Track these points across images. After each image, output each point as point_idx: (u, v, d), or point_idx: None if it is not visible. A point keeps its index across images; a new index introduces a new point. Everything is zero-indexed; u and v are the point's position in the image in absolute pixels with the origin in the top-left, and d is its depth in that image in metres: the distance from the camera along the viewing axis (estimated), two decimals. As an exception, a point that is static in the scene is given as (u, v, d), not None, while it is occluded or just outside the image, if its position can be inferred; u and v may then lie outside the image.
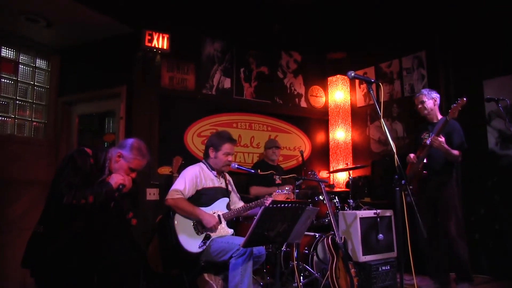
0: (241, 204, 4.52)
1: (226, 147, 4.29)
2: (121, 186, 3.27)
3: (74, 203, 3.05)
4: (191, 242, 3.92)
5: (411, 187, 3.31)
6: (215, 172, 4.31)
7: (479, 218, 5.64)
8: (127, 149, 3.38)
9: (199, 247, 3.91)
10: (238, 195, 4.60)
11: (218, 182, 4.31)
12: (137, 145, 3.42)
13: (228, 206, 4.29)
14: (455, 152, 4.57)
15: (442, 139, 4.45)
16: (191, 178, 4.12)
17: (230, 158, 4.32)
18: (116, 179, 3.27)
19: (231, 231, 4.16)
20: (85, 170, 3.22)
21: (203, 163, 4.35)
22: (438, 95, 4.91)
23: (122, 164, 3.36)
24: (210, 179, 4.25)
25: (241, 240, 3.74)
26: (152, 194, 5.52)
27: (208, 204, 4.14)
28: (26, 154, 5.34)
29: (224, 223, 4.14)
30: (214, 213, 4.10)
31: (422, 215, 3.73)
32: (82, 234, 3.15)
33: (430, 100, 4.83)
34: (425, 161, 4.65)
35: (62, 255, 3.06)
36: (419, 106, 4.89)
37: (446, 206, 4.67)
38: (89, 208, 3.13)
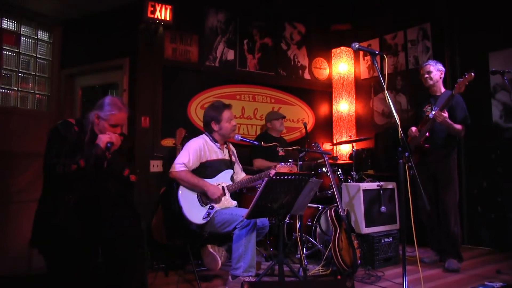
0: (243, 175, 4.54)
1: (226, 113, 4.28)
2: (109, 145, 3.26)
3: (67, 171, 3.09)
4: (195, 214, 3.95)
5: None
6: (218, 144, 4.31)
7: (481, 191, 5.66)
8: (102, 108, 3.36)
9: (203, 219, 3.94)
10: (240, 166, 4.61)
11: (222, 154, 4.32)
12: (110, 101, 3.38)
13: (232, 178, 4.31)
14: (458, 126, 4.55)
15: (445, 114, 4.42)
16: (194, 151, 4.12)
17: (234, 122, 4.34)
18: (103, 139, 3.27)
19: (234, 202, 4.19)
20: (71, 139, 3.24)
21: (206, 135, 4.35)
22: (444, 69, 4.86)
23: (103, 124, 3.34)
24: (214, 151, 4.26)
25: (245, 211, 3.76)
26: (155, 166, 5.53)
27: (212, 176, 4.15)
28: (30, 126, 5.33)
29: (228, 195, 4.16)
30: (219, 184, 4.12)
31: (425, 188, 3.74)
32: (83, 201, 3.19)
33: (437, 71, 4.77)
34: (427, 134, 4.63)
35: (66, 226, 3.09)
36: (425, 75, 4.81)
37: (446, 179, 4.68)
38: (83, 172, 3.16)
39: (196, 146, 4.16)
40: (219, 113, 4.27)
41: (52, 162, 3.12)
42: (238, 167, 4.54)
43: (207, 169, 4.16)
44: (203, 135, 4.34)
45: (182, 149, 4.26)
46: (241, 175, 4.52)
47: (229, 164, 4.35)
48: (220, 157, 4.28)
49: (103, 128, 3.34)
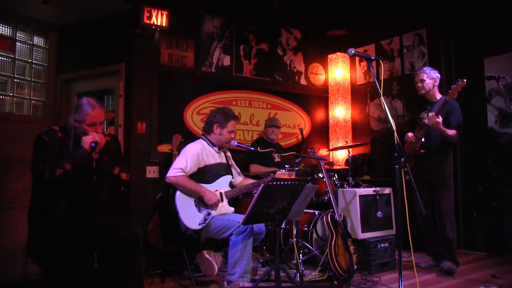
0: (241, 178, 4.53)
1: (232, 124, 4.28)
2: (93, 144, 3.30)
3: (53, 175, 3.14)
4: (192, 219, 3.94)
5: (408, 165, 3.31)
6: (216, 148, 4.30)
7: (477, 196, 5.67)
8: (77, 110, 3.42)
9: (199, 224, 3.93)
10: (237, 169, 4.60)
11: (220, 158, 4.31)
12: (83, 101, 3.43)
13: (231, 184, 4.30)
14: (452, 132, 4.55)
15: (439, 119, 4.42)
16: (192, 156, 4.10)
17: (233, 135, 4.33)
18: (86, 140, 3.31)
19: (232, 209, 4.17)
20: (55, 145, 3.29)
21: (204, 139, 4.32)
22: (439, 76, 4.83)
23: (82, 126, 3.39)
24: (212, 155, 4.24)
25: (241, 217, 3.77)
26: (152, 172, 5.52)
27: (211, 181, 4.14)
28: (25, 132, 5.31)
29: (225, 201, 4.15)
30: (217, 190, 4.11)
31: (421, 193, 3.75)
32: (74, 205, 3.20)
33: (431, 80, 4.76)
34: (423, 140, 4.63)
35: (59, 231, 3.10)
36: (419, 84, 4.81)
37: (441, 185, 4.69)
38: (70, 175, 3.19)
39: (194, 151, 4.14)
40: (226, 121, 4.25)
41: (39, 169, 3.18)
42: (235, 171, 4.54)
43: (206, 174, 4.14)
44: (200, 140, 4.32)
45: (178, 155, 4.24)
46: (239, 179, 4.51)
47: (227, 168, 4.35)
48: (218, 161, 4.27)
49: (83, 130, 3.39)
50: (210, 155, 4.23)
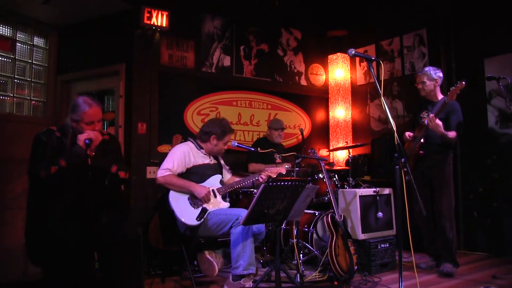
0: (229, 175, 4.58)
1: (228, 137, 4.38)
2: (87, 141, 3.29)
3: (49, 173, 3.15)
4: (188, 215, 3.96)
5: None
6: (203, 151, 4.35)
7: (477, 196, 5.67)
8: (74, 110, 3.42)
9: (197, 220, 3.94)
10: (227, 167, 4.63)
11: (208, 159, 4.36)
12: (80, 100, 3.43)
13: (221, 183, 4.35)
14: (451, 134, 4.53)
15: (439, 122, 4.41)
16: (179, 156, 4.17)
17: (225, 147, 4.43)
18: (80, 138, 3.31)
19: (227, 204, 4.20)
20: (52, 144, 3.30)
21: (192, 141, 4.40)
22: (442, 75, 4.80)
23: (80, 126, 3.39)
24: (200, 157, 4.31)
25: (238, 210, 3.84)
26: (152, 172, 5.52)
27: (200, 181, 4.19)
28: (25, 132, 5.32)
29: (219, 197, 4.19)
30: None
31: (421, 193, 3.74)
32: (73, 204, 3.21)
33: (431, 82, 4.74)
34: (422, 140, 4.63)
35: (57, 231, 3.10)
36: (419, 86, 4.80)
37: (441, 185, 4.68)
38: (66, 173, 3.20)
39: (180, 152, 4.21)
40: (224, 134, 4.33)
41: (35, 168, 3.19)
42: (225, 170, 4.58)
43: (193, 175, 4.19)
44: (188, 142, 4.40)
45: (166, 156, 4.28)
46: (227, 176, 4.56)
47: (217, 168, 4.41)
48: (206, 161, 4.33)
49: (81, 129, 3.39)
50: (198, 156, 4.31)
